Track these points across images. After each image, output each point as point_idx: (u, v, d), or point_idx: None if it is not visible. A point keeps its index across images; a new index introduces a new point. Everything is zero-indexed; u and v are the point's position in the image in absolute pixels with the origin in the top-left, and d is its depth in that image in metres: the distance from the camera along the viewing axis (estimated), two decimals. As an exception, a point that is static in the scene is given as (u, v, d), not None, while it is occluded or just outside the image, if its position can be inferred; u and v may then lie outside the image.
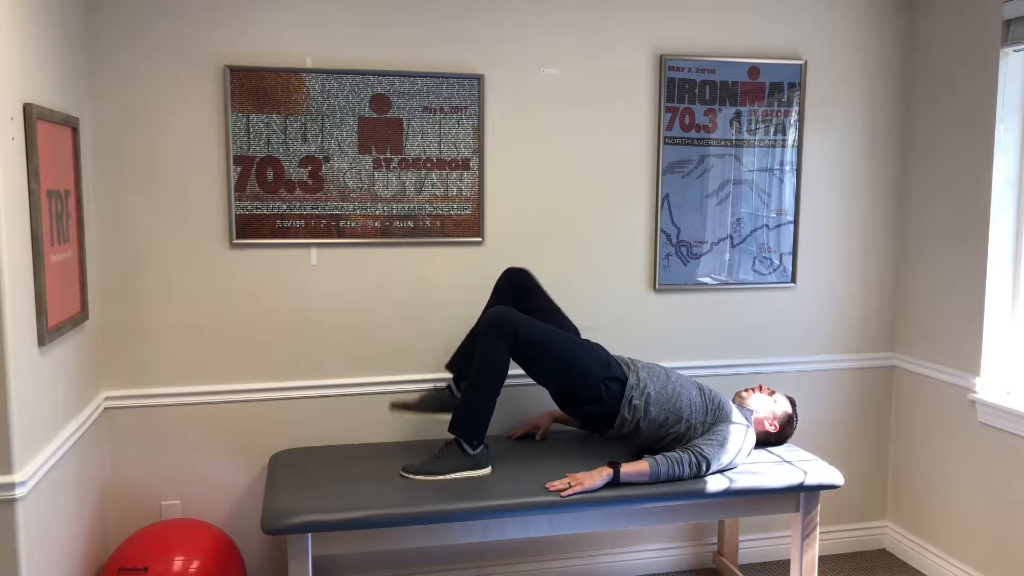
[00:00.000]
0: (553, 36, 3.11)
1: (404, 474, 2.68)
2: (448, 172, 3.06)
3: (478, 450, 2.68)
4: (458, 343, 3.05)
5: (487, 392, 2.66)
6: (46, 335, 2.23)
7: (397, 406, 2.87)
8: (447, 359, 2.96)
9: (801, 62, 3.32)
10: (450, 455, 2.68)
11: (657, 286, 3.29)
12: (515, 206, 3.14)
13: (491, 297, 2.91)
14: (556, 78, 3.13)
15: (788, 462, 2.86)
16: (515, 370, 3.04)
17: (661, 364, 3.05)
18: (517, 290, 2.88)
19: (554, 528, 2.62)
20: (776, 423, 2.97)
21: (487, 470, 2.70)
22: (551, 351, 2.68)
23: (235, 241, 2.91)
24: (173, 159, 2.85)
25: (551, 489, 2.56)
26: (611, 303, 3.26)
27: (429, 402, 2.87)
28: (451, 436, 2.73)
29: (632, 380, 2.74)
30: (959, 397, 3.23)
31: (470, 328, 2.92)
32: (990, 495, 3.10)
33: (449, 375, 2.95)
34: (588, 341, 2.82)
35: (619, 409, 2.72)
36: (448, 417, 2.76)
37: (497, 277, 3.03)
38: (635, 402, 2.72)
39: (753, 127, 3.31)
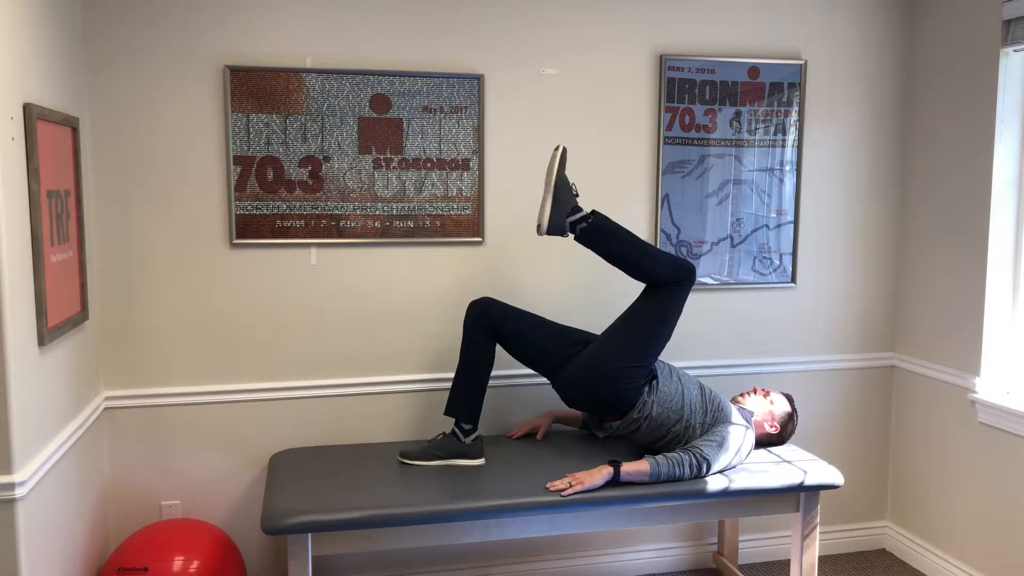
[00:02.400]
0: (553, 36, 3.11)
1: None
2: (448, 172, 3.06)
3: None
4: (457, 342, 3.06)
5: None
6: (46, 335, 2.23)
7: (405, 457, 2.81)
8: (445, 407, 2.84)
9: (801, 62, 3.32)
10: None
11: (657, 286, 3.28)
12: (515, 206, 3.14)
13: (463, 338, 2.83)
14: (556, 78, 3.13)
15: (788, 462, 2.86)
16: (515, 369, 3.05)
17: (667, 361, 3.05)
18: (487, 321, 2.78)
19: (554, 528, 2.62)
20: (776, 424, 2.97)
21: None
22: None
23: (235, 241, 2.91)
24: (173, 159, 2.85)
25: (552, 489, 2.56)
26: (611, 303, 3.26)
27: (437, 449, 2.79)
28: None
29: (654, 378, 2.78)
30: (959, 397, 3.23)
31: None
32: (990, 495, 3.10)
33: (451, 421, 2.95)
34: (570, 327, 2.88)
35: (635, 404, 2.73)
36: (464, 462, 2.77)
37: (497, 277, 3.04)
38: (646, 399, 2.72)
39: (753, 127, 3.31)
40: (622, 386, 2.70)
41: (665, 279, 2.71)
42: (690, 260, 2.72)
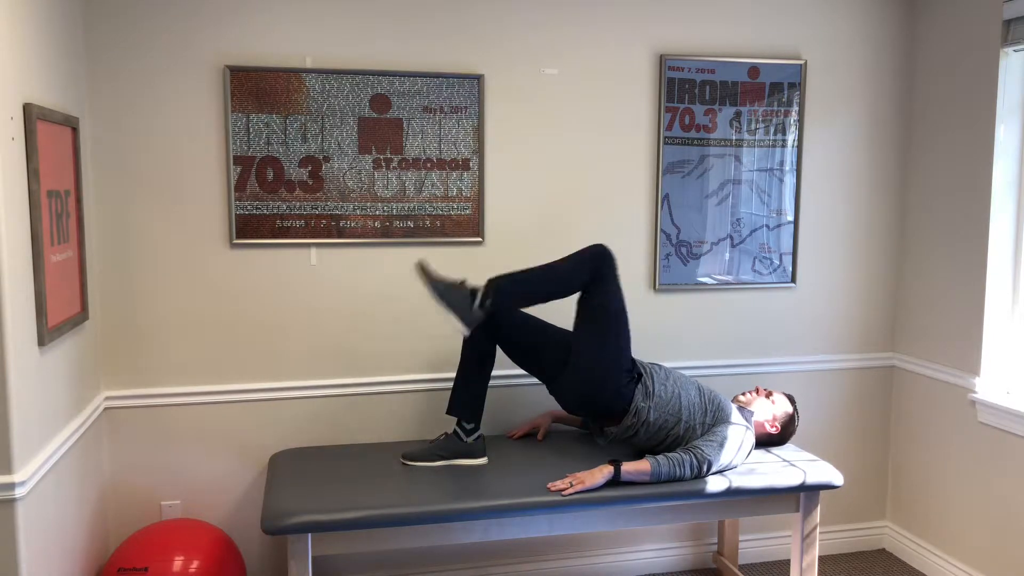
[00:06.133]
0: (553, 36, 3.11)
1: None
2: (448, 172, 3.06)
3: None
4: (457, 343, 3.05)
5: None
6: (46, 335, 2.23)
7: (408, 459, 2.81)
8: (447, 406, 2.85)
9: (801, 62, 3.32)
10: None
11: (657, 286, 3.29)
12: (515, 206, 3.14)
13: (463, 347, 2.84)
14: (556, 78, 3.13)
15: (788, 462, 2.86)
16: (514, 369, 3.05)
17: (661, 364, 3.05)
18: (491, 321, 2.75)
19: (554, 528, 2.62)
20: (777, 424, 2.97)
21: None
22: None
23: (235, 241, 2.91)
24: (173, 159, 2.85)
25: (552, 489, 2.56)
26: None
27: (439, 449, 2.80)
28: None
29: (646, 379, 2.77)
30: (959, 397, 3.23)
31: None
32: (990, 495, 3.10)
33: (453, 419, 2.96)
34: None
35: (628, 408, 2.73)
36: (467, 462, 2.77)
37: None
38: (641, 404, 2.72)
39: (753, 127, 3.31)
40: (609, 390, 2.71)
41: (591, 277, 2.68)
42: (596, 244, 2.69)
